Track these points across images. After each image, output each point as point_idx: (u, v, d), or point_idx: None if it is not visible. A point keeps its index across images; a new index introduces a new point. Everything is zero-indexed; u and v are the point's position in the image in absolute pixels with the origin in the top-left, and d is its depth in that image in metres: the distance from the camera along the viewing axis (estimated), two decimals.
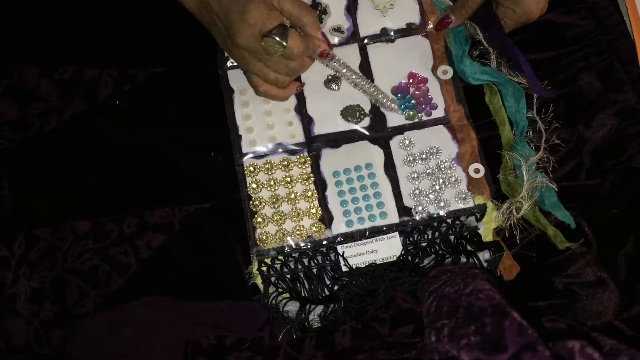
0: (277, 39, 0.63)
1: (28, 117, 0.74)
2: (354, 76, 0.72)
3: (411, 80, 0.75)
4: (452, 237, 0.70)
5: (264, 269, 0.68)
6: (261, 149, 0.72)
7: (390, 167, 0.72)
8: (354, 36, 0.76)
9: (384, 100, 0.72)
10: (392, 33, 0.77)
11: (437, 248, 0.69)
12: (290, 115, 0.74)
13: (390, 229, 0.69)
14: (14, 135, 0.73)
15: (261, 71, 0.68)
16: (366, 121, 0.73)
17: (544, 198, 0.70)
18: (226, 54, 0.74)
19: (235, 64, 0.74)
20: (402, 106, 0.73)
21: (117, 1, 0.77)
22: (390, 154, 0.72)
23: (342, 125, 0.73)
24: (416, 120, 0.73)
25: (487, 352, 0.52)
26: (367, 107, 0.74)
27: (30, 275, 0.68)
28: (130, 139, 0.73)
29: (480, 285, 0.57)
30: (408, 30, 0.77)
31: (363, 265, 0.68)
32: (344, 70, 0.72)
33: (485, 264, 0.68)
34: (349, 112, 0.73)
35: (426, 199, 0.70)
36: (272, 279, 0.68)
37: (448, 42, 0.76)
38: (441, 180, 0.71)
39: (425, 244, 0.70)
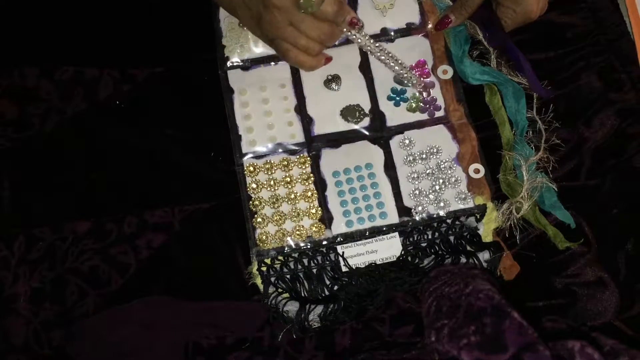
0: None
1: (28, 117, 0.74)
2: (378, 50, 0.72)
3: (416, 67, 0.75)
4: (452, 238, 0.70)
5: (264, 269, 0.68)
6: (261, 149, 0.72)
7: (390, 167, 0.72)
8: None
9: (407, 75, 0.73)
10: (392, 33, 0.76)
11: (437, 248, 0.69)
12: (290, 115, 0.73)
13: (390, 229, 0.69)
14: (14, 135, 0.73)
15: (292, 36, 0.68)
16: (366, 121, 0.73)
17: (544, 198, 0.70)
18: (226, 54, 0.74)
19: (235, 63, 0.74)
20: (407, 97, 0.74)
21: (117, 1, 0.77)
22: (390, 153, 0.72)
23: (342, 125, 0.73)
24: (416, 112, 0.73)
25: (487, 352, 0.52)
26: (367, 107, 0.74)
27: (30, 275, 0.68)
28: (130, 139, 0.73)
29: (480, 285, 0.57)
30: (408, 30, 0.77)
31: (363, 266, 0.68)
32: (368, 43, 0.71)
33: (485, 264, 0.68)
34: (349, 112, 0.73)
35: (426, 199, 0.70)
36: (272, 279, 0.68)
37: (448, 42, 0.76)
38: (441, 181, 0.71)
39: (425, 244, 0.70)
